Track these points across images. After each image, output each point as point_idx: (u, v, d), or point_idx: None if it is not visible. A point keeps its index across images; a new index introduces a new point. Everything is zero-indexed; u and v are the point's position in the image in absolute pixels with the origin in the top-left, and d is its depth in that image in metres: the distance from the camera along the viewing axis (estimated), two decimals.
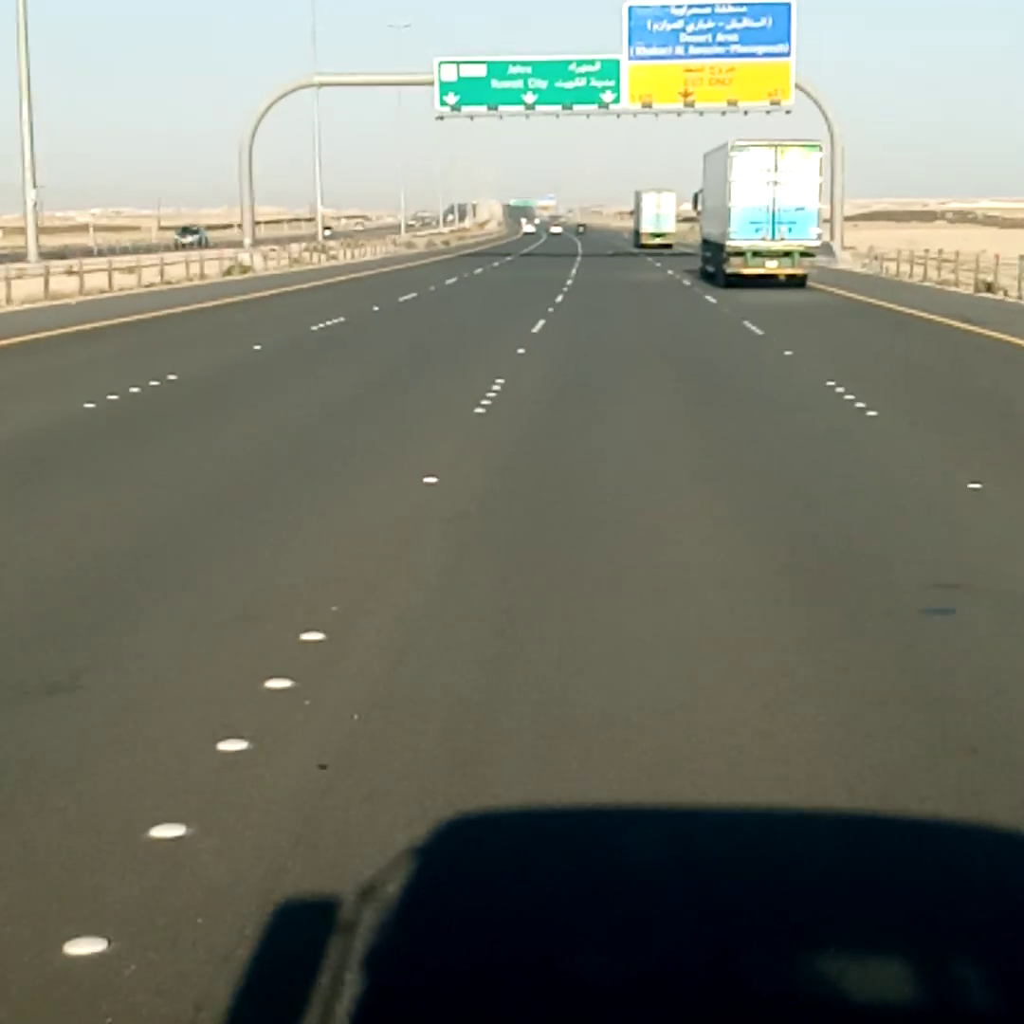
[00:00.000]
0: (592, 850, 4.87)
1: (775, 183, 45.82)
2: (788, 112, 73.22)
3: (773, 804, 5.09)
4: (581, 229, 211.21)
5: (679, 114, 74.27)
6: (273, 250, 76.91)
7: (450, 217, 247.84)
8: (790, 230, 45.79)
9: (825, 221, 78.38)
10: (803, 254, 46.27)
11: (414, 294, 42.33)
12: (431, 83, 73.06)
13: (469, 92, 73.27)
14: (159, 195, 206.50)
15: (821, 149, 47.78)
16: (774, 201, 45.66)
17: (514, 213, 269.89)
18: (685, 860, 4.74)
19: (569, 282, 51.91)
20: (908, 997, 3.86)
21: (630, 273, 61.79)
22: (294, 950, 4.06)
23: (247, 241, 75.31)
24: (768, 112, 73.21)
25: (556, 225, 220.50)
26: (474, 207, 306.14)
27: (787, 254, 46.05)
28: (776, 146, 46.48)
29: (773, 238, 45.82)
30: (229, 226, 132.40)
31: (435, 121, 75.26)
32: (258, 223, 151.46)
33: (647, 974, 3.95)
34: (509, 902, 4.42)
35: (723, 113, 73.55)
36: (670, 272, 62.74)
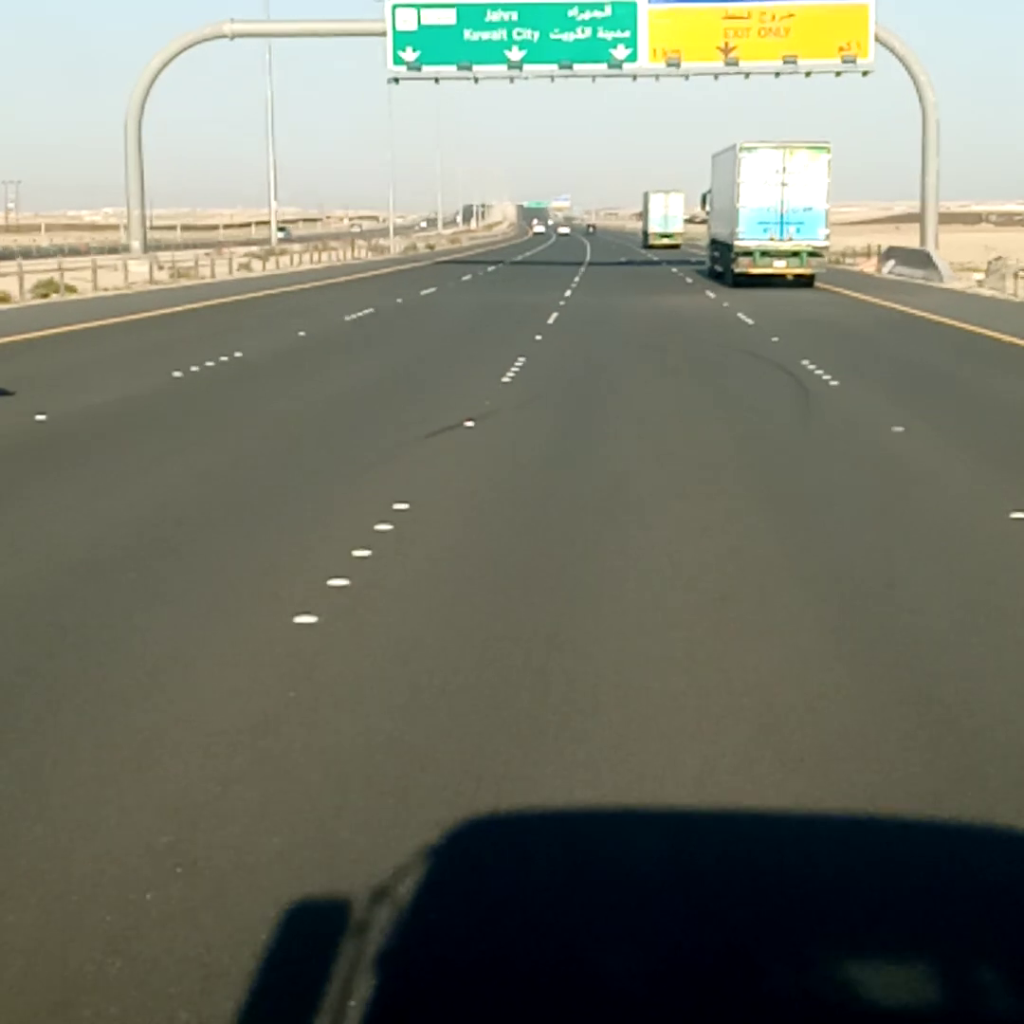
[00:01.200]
0: (607, 851, 4.72)
1: (783, 184, 46.01)
2: (865, 73, 52.57)
3: (784, 807, 4.93)
4: (591, 229, 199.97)
5: (716, 77, 54.03)
6: (208, 254, 58.06)
7: (457, 218, 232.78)
8: (798, 230, 46.05)
9: (902, 220, 60.35)
10: (811, 254, 46.50)
11: (237, 353, 21.56)
12: (383, 34, 52.93)
13: (433, 46, 53.06)
14: (153, 193, 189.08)
15: (829, 150, 46.67)
16: (782, 202, 45.90)
17: (527, 214, 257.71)
18: (698, 864, 4.58)
19: (553, 317, 31.21)
20: (910, 998, 3.81)
21: (651, 297, 39.72)
22: (307, 950, 3.95)
23: (135, 245, 55.08)
24: (838, 73, 53.11)
25: (564, 226, 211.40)
26: (481, 209, 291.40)
27: (795, 254, 46.31)
28: (785, 147, 46.60)
29: (781, 238, 46.10)
30: (215, 227, 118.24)
31: (389, 84, 55.00)
32: (254, 224, 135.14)
33: (661, 975, 3.89)
34: (522, 903, 4.30)
35: (777, 74, 53.39)
36: (711, 294, 42.32)
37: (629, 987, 3.84)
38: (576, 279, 51.85)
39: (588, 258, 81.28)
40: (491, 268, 64.48)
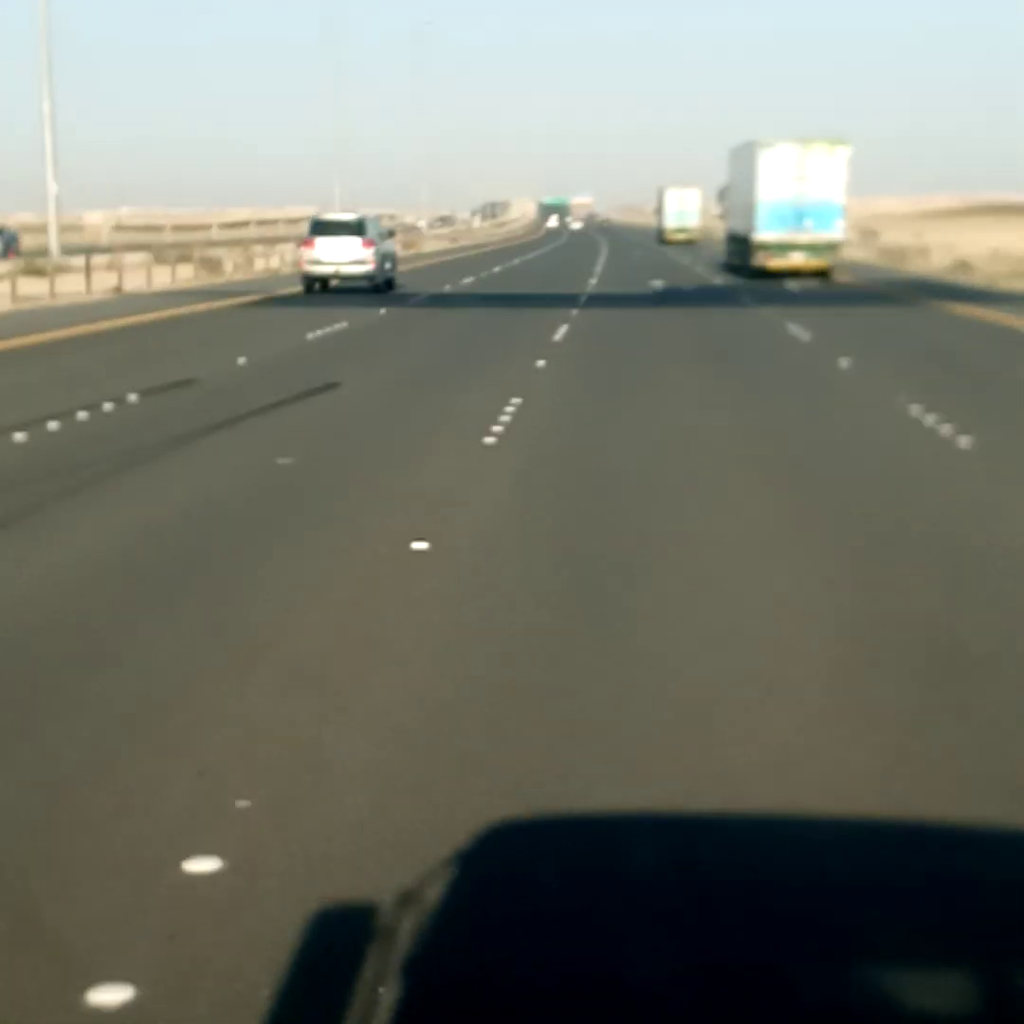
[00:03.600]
0: (637, 858, 4.57)
1: (801, 178, 45.84)
2: None
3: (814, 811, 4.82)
4: (604, 224, 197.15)
5: None
6: None
7: (460, 215, 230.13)
8: (816, 224, 45.72)
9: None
10: (827, 247, 46.13)
11: None
12: None
13: None
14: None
15: (848, 145, 46.50)
16: (800, 196, 45.65)
17: (547, 211, 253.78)
18: (735, 873, 4.39)
19: None
20: (921, 1007, 3.68)
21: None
22: (333, 956, 3.88)
23: None
24: None
25: (577, 221, 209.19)
26: (490, 207, 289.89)
27: (812, 247, 45.98)
28: (802, 142, 46.32)
29: (799, 232, 45.74)
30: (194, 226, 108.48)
31: None
32: (255, 222, 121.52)
33: (691, 983, 3.79)
34: (550, 910, 4.18)
35: None
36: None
37: (657, 994, 3.75)
38: (557, 340, 24.47)
39: (594, 281, 48.07)
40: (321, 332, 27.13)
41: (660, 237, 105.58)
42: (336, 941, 4.00)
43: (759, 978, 3.80)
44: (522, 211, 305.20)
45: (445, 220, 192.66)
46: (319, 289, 40.76)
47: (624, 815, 4.92)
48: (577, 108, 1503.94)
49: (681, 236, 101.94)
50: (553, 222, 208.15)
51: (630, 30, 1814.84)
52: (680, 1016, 3.65)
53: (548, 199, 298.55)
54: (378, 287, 40.74)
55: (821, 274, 46.02)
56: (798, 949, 3.97)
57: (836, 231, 46.70)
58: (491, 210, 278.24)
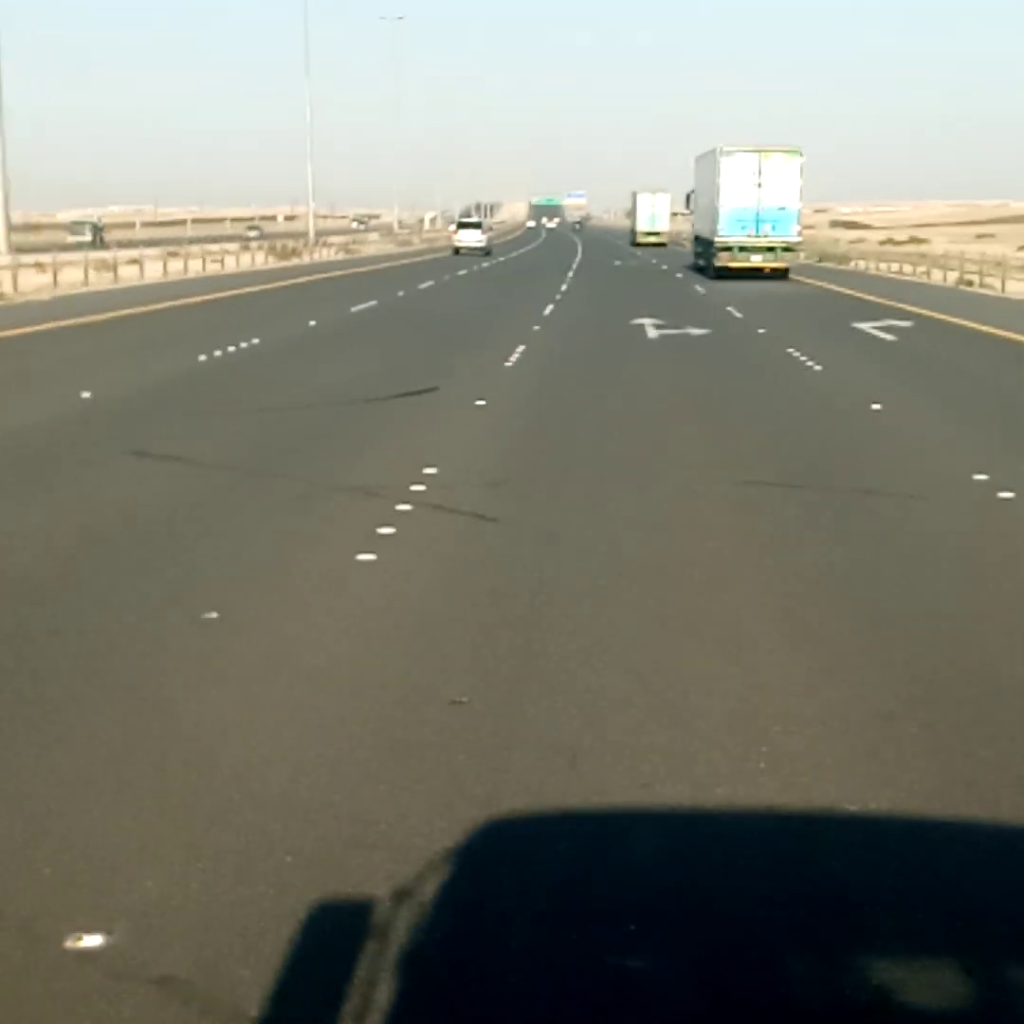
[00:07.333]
0: (633, 855, 4.49)
1: (759, 185, 47.65)
2: None
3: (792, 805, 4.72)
4: (577, 226, 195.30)
5: None
6: None
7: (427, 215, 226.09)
8: (773, 228, 47.76)
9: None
10: (785, 249, 48.29)
11: None
12: None
13: None
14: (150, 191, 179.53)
15: (801, 154, 48.56)
16: (759, 201, 47.52)
17: (538, 212, 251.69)
18: (736, 870, 4.32)
19: None
20: (915, 1002, 3.63)
21: None
22: (329, 952, 3.77)
23: None
24: None
25: (552, 220, 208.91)
26: (487, 206, 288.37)
27: (771, 249, 47.99)
28: (760, 151, 48.22)
29: (758, 235, 47.75)
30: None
31: None
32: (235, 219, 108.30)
33: (688, 978, 3.71)
34: (544, 905, 4.08)
35: None
36: None
37: (650, 989, 3.66)
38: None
39: (551, 304, 33.79)
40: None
41: (632, 240, 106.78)
42: (333, 936, 3.86)
43: (758, 978, 3.73)
44: (512, 212, 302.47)
45: (433, 223, 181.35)
46: (460, 254, 76.80)
47: (622, 811, 4.76)
48: (574, 110, 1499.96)
49: (652, 239, 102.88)
50: (532, 222, 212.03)
51: (627, 34, 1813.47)
52: (678, 1013, 3.60)
53: (538, 199, 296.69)
54: (486, 254, 78.11)
55: (779, 274, 47.97)
56: (797, 949, 3.86)
57: (792, 234, 48.77)
58: (487, 211, 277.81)
